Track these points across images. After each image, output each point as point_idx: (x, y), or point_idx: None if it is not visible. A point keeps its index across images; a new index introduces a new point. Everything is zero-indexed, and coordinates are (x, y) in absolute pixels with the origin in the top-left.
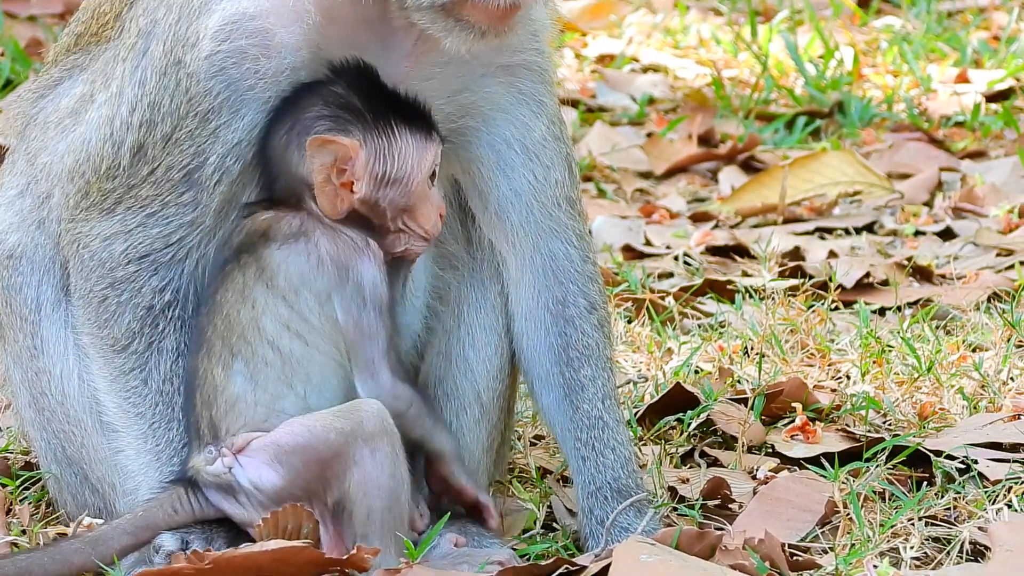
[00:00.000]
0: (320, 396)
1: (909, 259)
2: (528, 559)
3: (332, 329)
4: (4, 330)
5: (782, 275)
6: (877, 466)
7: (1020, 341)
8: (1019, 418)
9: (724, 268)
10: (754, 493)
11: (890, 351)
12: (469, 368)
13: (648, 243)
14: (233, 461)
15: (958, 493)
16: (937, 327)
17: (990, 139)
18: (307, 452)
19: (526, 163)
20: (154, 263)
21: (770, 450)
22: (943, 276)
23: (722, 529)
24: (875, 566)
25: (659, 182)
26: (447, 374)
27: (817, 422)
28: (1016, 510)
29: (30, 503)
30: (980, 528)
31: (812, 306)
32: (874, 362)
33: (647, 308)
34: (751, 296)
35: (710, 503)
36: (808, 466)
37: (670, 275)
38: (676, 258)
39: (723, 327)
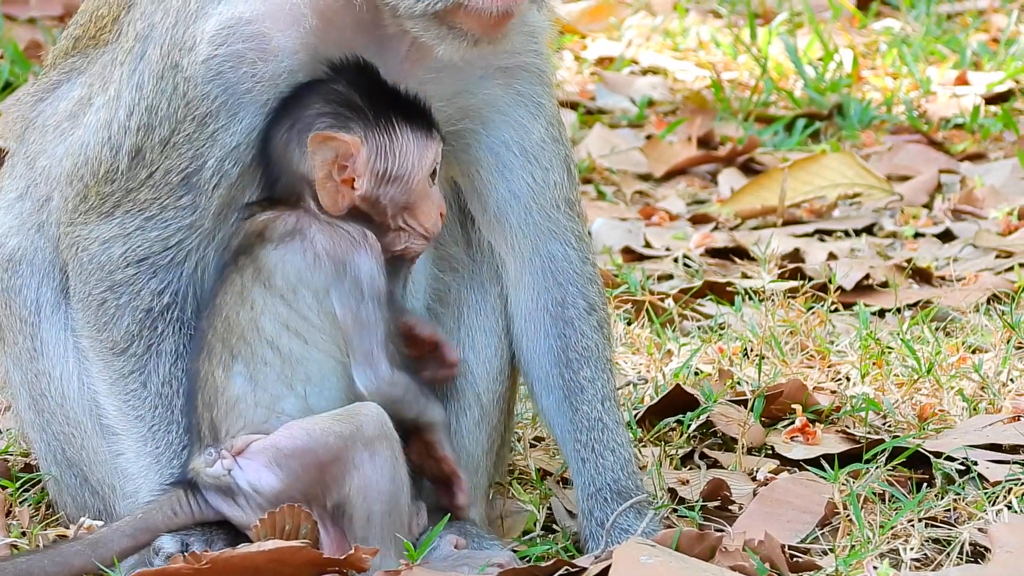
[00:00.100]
0: (320, 396)
1: (909, 261)
2: (528, 561)
3: (331, 326)
4: (4, 332)
5: (782, 277)
6: (877, 467)
7: (1020, 343)
8: (1019, 419)
9: (724, 270)
10: (754, 495)
11: (890, 353)
12: (469, 370)
13: (648, 245)
14: (232, 463)
15: (958, 494)
16: (937, 329)
17: (989, 141)
18: (306, 455)
19: (525, 165)
20: (153, 266)
21: (770, 451)
22: (943, 278)
23: (722, 531)
24: (875, 567)
25: (658, 184)
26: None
27: (817, 423)
28: (1016, 511)
29: (30, 505)
30: (980, 529)
31: (812, 308)
32: (874, 364)
33: (647, 310)
34: (751, 298)
35: (710, 504)
36: (808, 467)
37: (670, 277)
38: (676, 260)
39: (723, 329)
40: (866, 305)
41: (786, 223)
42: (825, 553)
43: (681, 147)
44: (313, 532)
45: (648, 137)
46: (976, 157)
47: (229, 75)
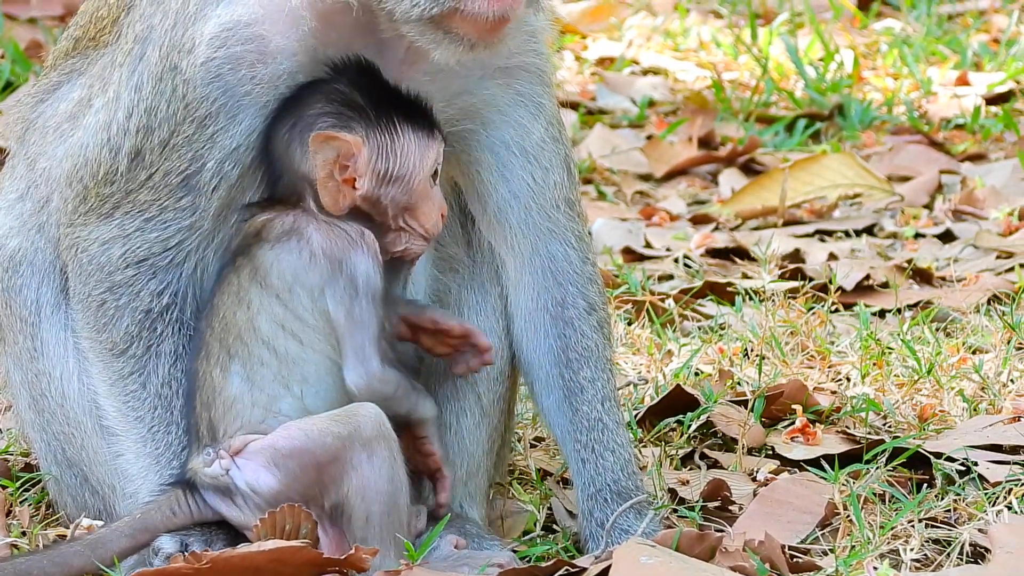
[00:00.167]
0: (317, 396)
1: (909, 261)
2: (528, 561)
3: (326, 326)
4: (4, 332)
5: (782, 277)
6: (877, 468)
7: (1020, 343)
8: (1019, 420)
9: (724, 270)
10: (754, 495)
11: (890, 353)
12: None
13: (648, 245)
14: (230, 463)
15: (958, 495)
16: (937, 329)
17: (990, 142)
18: (304, 456)
19: (525, 165)
20: (152, 267)
21: (770, 452)
22: (943, 278)
23: (722, 531)
24: (875, 568)
25: (659, 184)
26: (447, 376)
27: (817, 424)
28: (1016, 512)
29: (30, 505)
30: (980, 530)
31: (812, 308)
32: (874, 364)
33: (647, 310)
34: (751, 298)
35: (710, 505)
36: (808, 468)
37: (670, 277)
38: (676, 260)
39: (723, 329)
40: (866, 305)
41: (787, 223)
42: (825, 553)
43: (682, 147)
44: (313, 532)
45: (649, 137)
46: (977, 158)
47: (228, 77)
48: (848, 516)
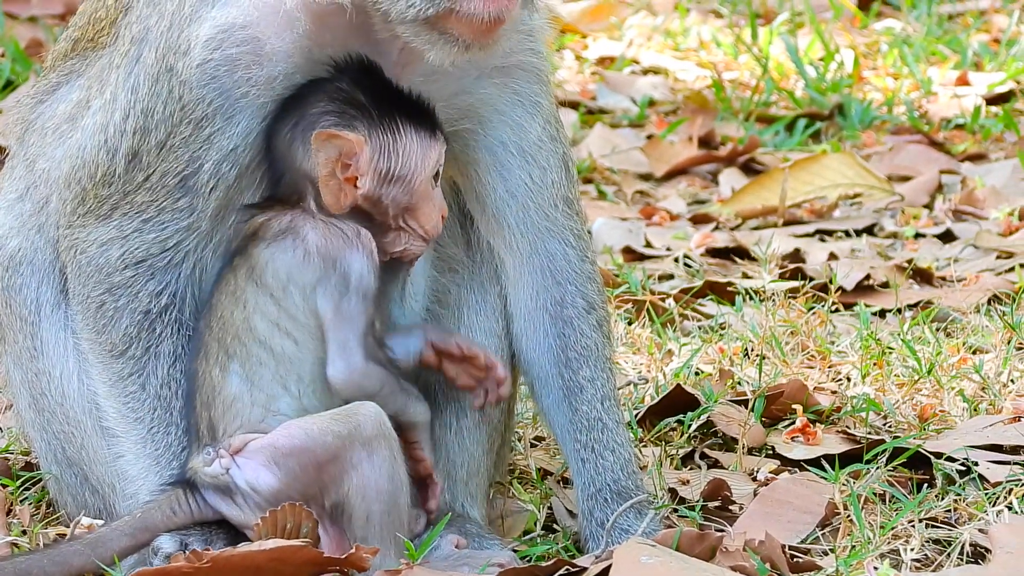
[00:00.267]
0: (315, 396)
1: (909, 261)
2: (529, 560)
3: (317, 326)
4: (5, 332)
5: (782, 277)
6: (877, 468)
7: (1020, 343)
8: (1019, 420)
9: (724, 270)
10: (754, 495)
11: (890, 353)
12: None
13: (648, 245)
14: (231, 462)
15: (958, 495)
16: (937, 329)
17: (990, 142)
18: (304, 455)
19: (522, 165)
20: (151, 268)
21: (770, 452)
22: (943, 278)
23: (722, 531)
24: (875, 568)
25: (659, 184)
26: None
27: (817, 424)
28: (1016, 512)
29: (31, 503)
30: (980, 530)
31: (812, 308)
32: (874, 364)
33: (647, 310)
34: (751, 298)
35: (710, 505)
36: (808, 468)
37: (670, 277)
38: (676, 260)
39: (723, 329)
40: (867, 305)
41: (787, 223)
42: (826, 553)
43: (682, 147)
44: (314, 531)
45: (649, 137)
46: (977, 158)
47: (224, 79)
48: (848, 516)
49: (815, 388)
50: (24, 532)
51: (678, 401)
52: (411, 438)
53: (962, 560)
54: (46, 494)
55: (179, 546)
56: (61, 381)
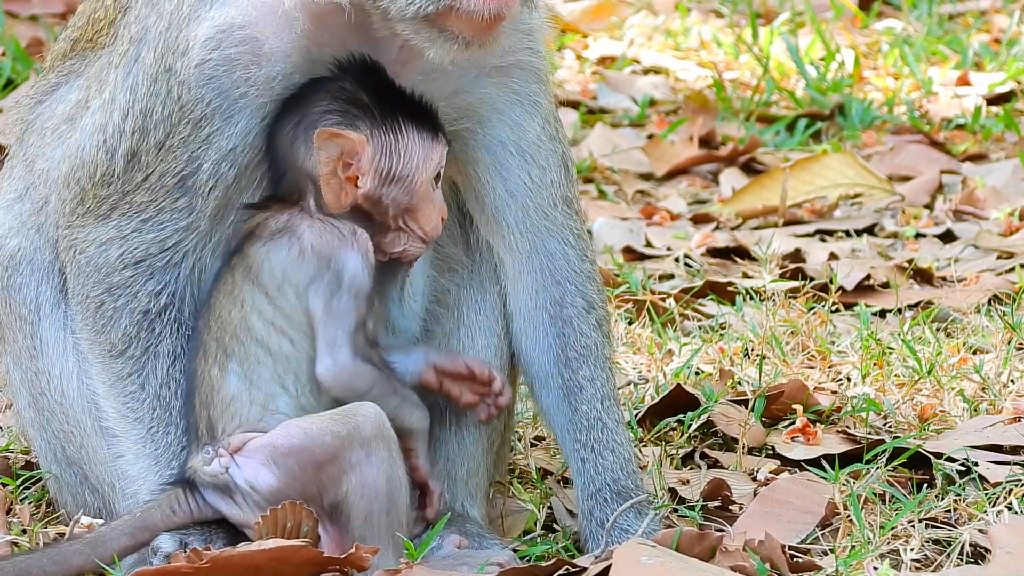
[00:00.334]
0: (312, 396)
1: (910, 261)
2: (528, 560)
3: (311, 325)
4: (4, 331)
5: (783, 277)
6: (877, 468)
7: (1020, 344)
8: (1019, 420)
9: (725, 270)
10: (754, 495)
11: (890, 353)
12: None
13: (649, 245)
14: (230, 461)
15: (958, 495)
16: (938, 329)
17: (991, 142)
18: (303, 454)
19: (522, 164)
20: (150, 268)
21: (770, 452)
22: (944, 278)
23: (722, 531)
24: (875, 568)
25: (660, 184)
26: None
27: (817, 424)
28: (1016, 512)
29: (30, 503)
30: (980, 530)
31: (813, 308)
32: (875, 364)
33: (648, 310)
34: (752, 298)
35: (710, 504)
36: (808, 468)
37: (671, 277)
38: (677, 260)
39: (724, 329)
40: (867, 305)
41: (787, 223)
42: (825, 553)
43: (682, 147)
44: (314, 530)
45: (650, 136)
46: (977, 158)
47: (222, 79)
48: (848, 516)
49: (815, 388)
50: (24, 531)
51: (678, 401)
52: (407, 445)
53: (962, 560)
54: (46, 493)
55: (179, 546)
56: (61, 380)
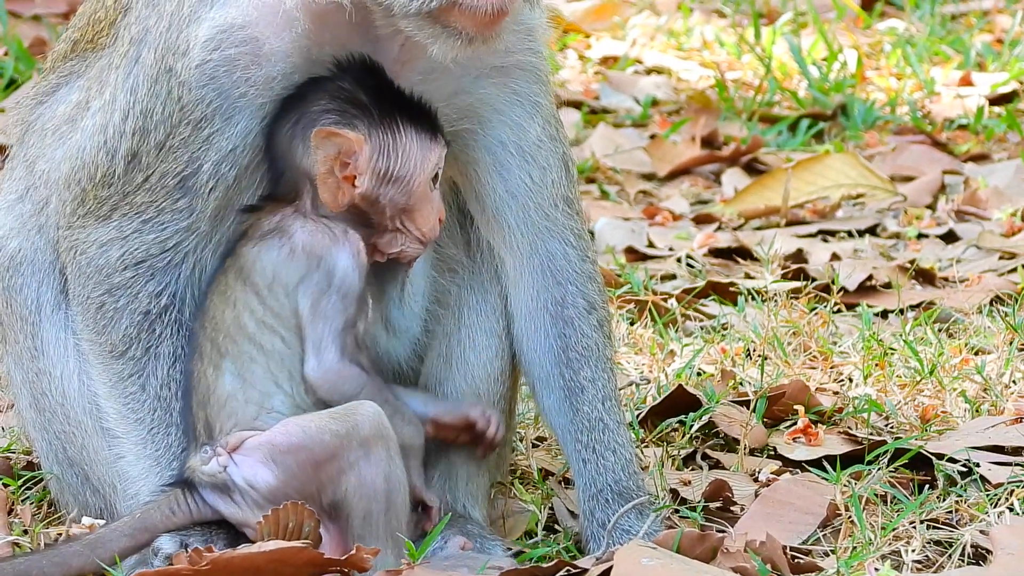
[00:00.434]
0: (308, 394)
1: (912, 262)
2: (530, 561)
3: (299, 326)
4: (5, 332)
5: (785, 277)
6: (879, 469)
7: (1022, 344)
8: (1021, 421)
9: (727, 270)
10: (756, 495)
11: (892, 354)
12: (470, 371)
13: (651, 245)
14: (228, 460)
15: (960, 496)
16: (939, 330)
17: (993, 142)
18: (301, 452)
19: (522, 164)
20: (150, 268)
21: (772, 452)
22: (946, 279)
23: (724, 531)
24: (876, 569)
25: (662, 184)
26: (448, 377)
27: (819, 425)
28: (1018, 513)
29: (32, 503)
30: (982, 531)
31: (814, 308)
32: (876, 365)
33: (649, 310)
34: (754, 298)
35: (712, 505)
36: (810, 468)
37: (673, 277)
38: (679, 260)
39: (725, 329)
40: (869, 306)
41: (789, 223)
42: (827, 554)
43: (685, 147)
44: (315, 531)
45: (652, 137)
46: (980, 158)
47: (223, 80)
48: (850, 517)
49: (817, 389)
50: (26, 531)
51: (680, 402)
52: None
53: (963, 561)
54: (47, 494)
55: (179, 547)
56: (62, 381)
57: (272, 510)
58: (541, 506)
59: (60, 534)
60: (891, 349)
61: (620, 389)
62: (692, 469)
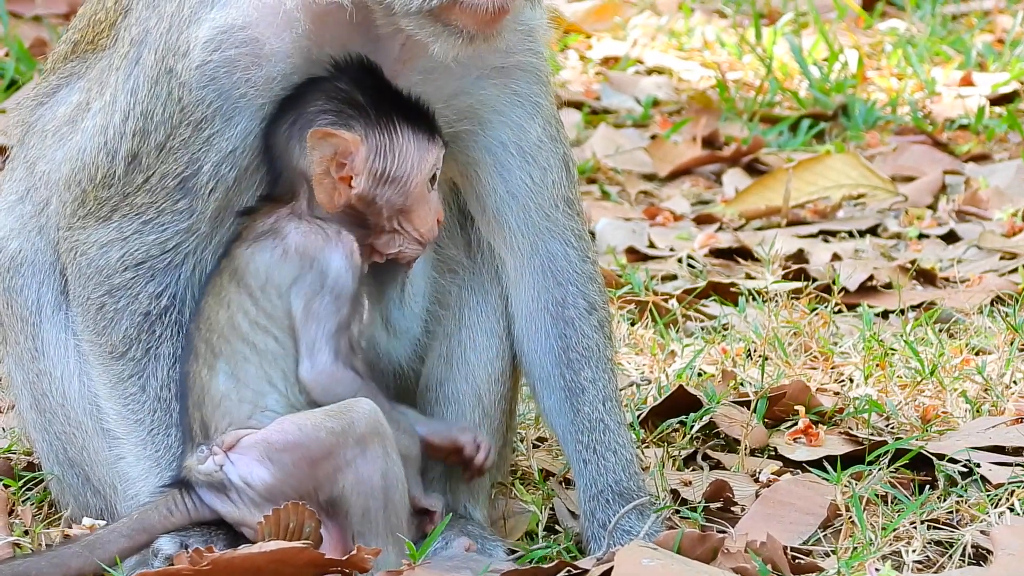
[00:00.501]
0: (302, 393)
1: (913, 262)
2: (531, 562)
3: (292, 327)
4: (6, 332)
5: (785, 278)
6: (880, 469)
7: (1023, 345)
8: (1022, 422)
9: (727, 270)
10: (756, 496)
11: (893, 354)
12: (470, 371)
13: (652, 245)
14: (224, 459)
15: (960, 496)
16: (940, 330)
17: (994, 142)
18: (297, 450)
19: (523, 165)
20: (150, 269)
21: (772, 453)
22: (946, 279)
23: (724, 532)
24: (877, 569)
25: (663, 184)
26: (448, 377)
27: (820, 425)
28: (1018, 514)
29: (33, 504)
30: (982, 532)
31: (815, 309)
32: (877, 365)
33: (650, 310)
34: (754, 299)
35: (712, 506)
36: (811, 469)
37: (673, 277)
38: (680, 260)
39: (726, 330)
40: (870, 306)
41: (790, 224)
42: (827, 555)
43: (686, 147)
44: (316, 531)
45: (653, 137)
46: (981, 158)
47: (223, 80)
48: (850, 517)
49: (818, 389)
50: (26, 532)
51: (680, 402)
52: None
53: (964, 562)
54: (48, 495)
55: (179, 547)
56: (62, 382)
57: (273, 510)
58: (542, 507)
59: (61, 535)
60: (892, 349)
61: (621, 390)
62: (693, 470)
